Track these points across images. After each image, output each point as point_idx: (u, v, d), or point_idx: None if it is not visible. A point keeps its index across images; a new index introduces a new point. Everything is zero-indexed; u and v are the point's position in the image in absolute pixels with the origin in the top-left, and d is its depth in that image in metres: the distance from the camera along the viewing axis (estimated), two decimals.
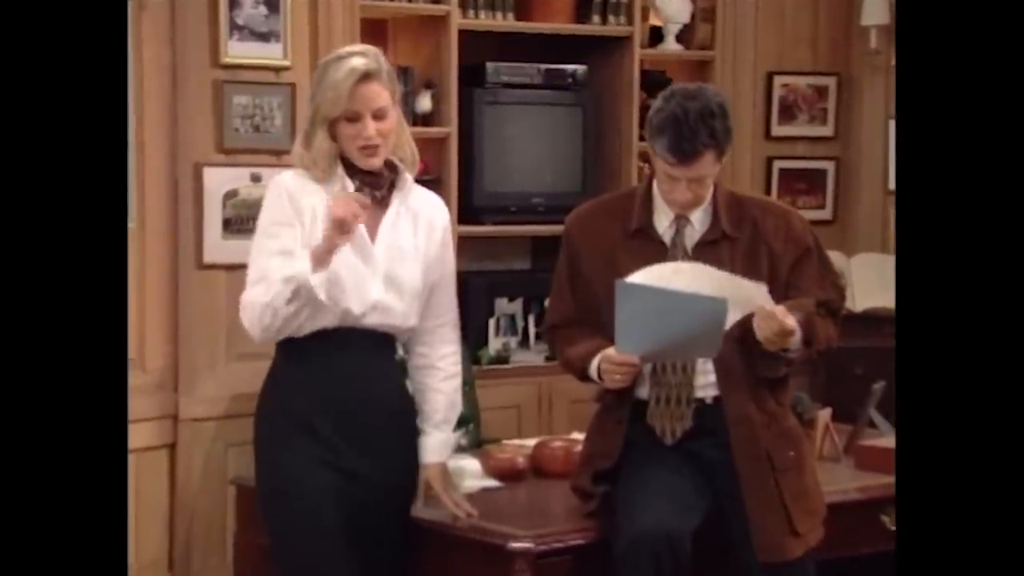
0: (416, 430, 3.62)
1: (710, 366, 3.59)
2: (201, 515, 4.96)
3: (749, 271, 3.50)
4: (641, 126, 5.44)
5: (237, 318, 3.55)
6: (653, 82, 5.94)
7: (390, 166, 3.55)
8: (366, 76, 3.44)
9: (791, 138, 6.54)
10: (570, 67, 5.94)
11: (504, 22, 5.81)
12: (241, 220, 4.95)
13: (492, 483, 4.01)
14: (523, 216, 5.85)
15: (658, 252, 3.58)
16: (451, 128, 5.63)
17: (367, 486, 3.48)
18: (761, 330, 3.44)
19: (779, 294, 3.51)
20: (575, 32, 5.98)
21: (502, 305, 5.87)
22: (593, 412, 3.77)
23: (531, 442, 4.36)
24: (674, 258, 3.56)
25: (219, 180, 4.97)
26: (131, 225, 4.77)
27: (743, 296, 3.41)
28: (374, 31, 5.48)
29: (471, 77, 5.72)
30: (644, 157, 5.63)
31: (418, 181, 3.66)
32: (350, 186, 3.50)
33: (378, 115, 3.46)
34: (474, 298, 5.72)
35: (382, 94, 3.47)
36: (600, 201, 3.86)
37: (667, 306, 3.38)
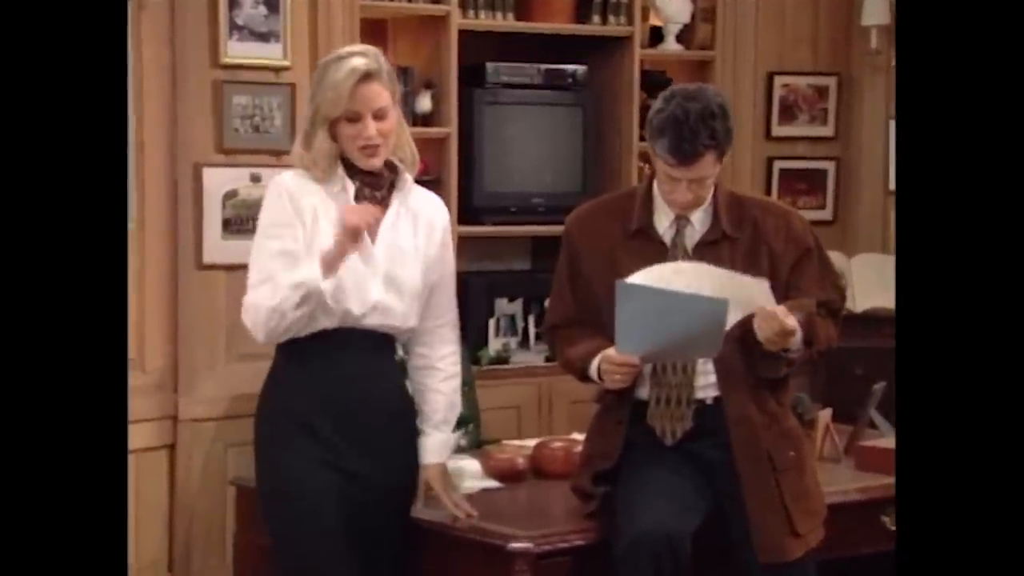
0: (416, 430, 3.62)
1: (710, 367, 3.58)
2: (201, 516, 4.96)
3: (749, 271, 3.50)
4: (641, 126, 5.44)
5: (237, 318, 3.55)
6: (653, 82, 5.93)
7: (390, 166, 3.55)
8: (367, 76, 3.44)
9: (791, 138, 6.53)
10: (570, 67, 5.93)
11: (504, 22, 5.80)
12: (241, 220, 4.95)
13: (492, 484, 4.01)
14: (523, 216, 5.85)
15: (658, 252, 3.57)
16: (451, 128, 5.63)
17: (367, 486, 3.48)
18: (762, 330, 3.43)
19: (779, 294, 3.50)
20: (575, 32, 5.98)
21: (502, 305, 5.86)
22: (593, 413, 3.77)
23: (531, 443, 4.36)
24: (674, 258, 3.56)
25: (219, 180, 4.97)
26: (131, 225, 4.77)
27: (744, 295, 3.40)
28: (374, 31, 5.48)
29: (471, 77, 5.71)
30: (644, 157, 5.63)
31: (418, 181, 3.66)
32: (350, 187, 3.50)
33: (379, 115, 3.46)
34: (474, 298, 5.72)
35: (383, 94, 3.47)
36: (600, 201, 3.86)
37: (667, 306, 3.38)
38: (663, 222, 3.62)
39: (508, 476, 4.05)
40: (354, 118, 3.45)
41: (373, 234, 3.49)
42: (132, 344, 4.75)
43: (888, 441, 4.23)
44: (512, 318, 5.87)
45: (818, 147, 6.58)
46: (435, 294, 3.61)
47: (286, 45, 5.05)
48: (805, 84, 6.52)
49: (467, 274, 5.71)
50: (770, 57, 6.41)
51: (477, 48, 5.71)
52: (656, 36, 6.23)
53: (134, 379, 4.62)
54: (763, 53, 6.36)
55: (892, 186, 6.40)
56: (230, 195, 4.98)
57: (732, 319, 3.40)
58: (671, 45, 6.22)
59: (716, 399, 3.60)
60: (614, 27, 6.01)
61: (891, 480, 3.63)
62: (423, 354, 3.64)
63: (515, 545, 3.50)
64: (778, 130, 6.50)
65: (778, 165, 6.49)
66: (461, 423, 3.89)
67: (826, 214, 6.55)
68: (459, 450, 4.09)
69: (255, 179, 4.98)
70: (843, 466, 4.27)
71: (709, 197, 3.60)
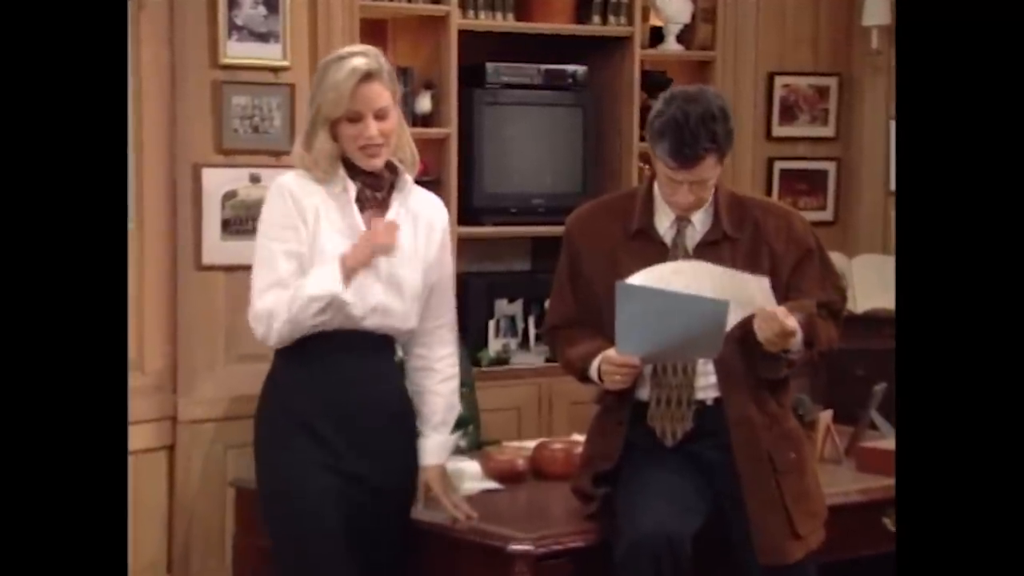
0: (416, 432, 3.61)
1: (711, 367, 3.58)
2: (200, 517, 4.95)
3: (750, 272, 3.49)
4: (642, 127, 5.45)
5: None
6: (653, 82, 5.93)
7: (390, 167, 3.55)
8: (368, 76, 3.44)
9: (792, 139, 6.53)
10: (570, 67, 5.93)
11: (504, 22, 5.80)
12: (240, 221, 4.94)
13: (492, 485, 4.00)
14: (523, 217, 5.85)
15: (659, 253, 3.57)
16: (451, 129, 5.63)
17: (367, 488, 3.48)
18: (762, 331, 3.43)
19: (780, 295, 3.50)
20: (575, 32, 5.98)
21: (502, 306, 5.85)
22: (593, 414, 3.77)
23: (531, 444, 4.36)
24: (675, 259, 3.55)
25: (218, 181, 4.96)
26: (130, 226, 4.76)
27: (744, 295, 3.40)
28: (374, 31, 5.47)
29: (471, 77, 5.71)
30: (644, 158, 5.63)
31: (418, 182, 3.66)
32: (351, 187, 3.50)
33: (380, 115, 3.46)
34: (474, 299, 5.72)
35: (383, 94, 3.46)
36: (601, 202, 3.85)
37: (667, 307, 3.37)
38: (664, 223, 3.62)
39: (508, 477, 4.05)
40: (355, 118, 3.45)
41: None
42: (131, 345, 4.74)
43: (889, 442, 4.22)
44: (512, 319, 5.86)
45: (819, 147, 6.58)
46: (434, 295, 3.61)
47: (285, 45, 5.05)
48: (806, 84, 6.52)
49: (467, 275, 5.71)
50: (771, 57, 6.40)
51: (477, 48, 5.71)
52: (656, 36, 6.22)
53: (133, 380, 4.61)
54: (764, 53, 6.36)
55: (893, 187, 6.40)
56: (229, 196, 4.97)
57: (732, 319, 3.39)
58: (671, 45, 6.22)
59: (716, 400, 3.60)
60: (614, 27, 6.00)
61: (892, 481, 3.62)
62: (421, 355, 3.63)
63: (515, 547, 3.50)
64: (779, 130, 6.49)
65: (779, 165, 6.48)
66: (461, 424, 3.88)
67: (827, 215, 6.55)
68: (459, 451, 4.08)
69: (254, 180, 4.98)
70: (844, 467, 4.27)
71: (710, 198, 3.59)
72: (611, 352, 3.50)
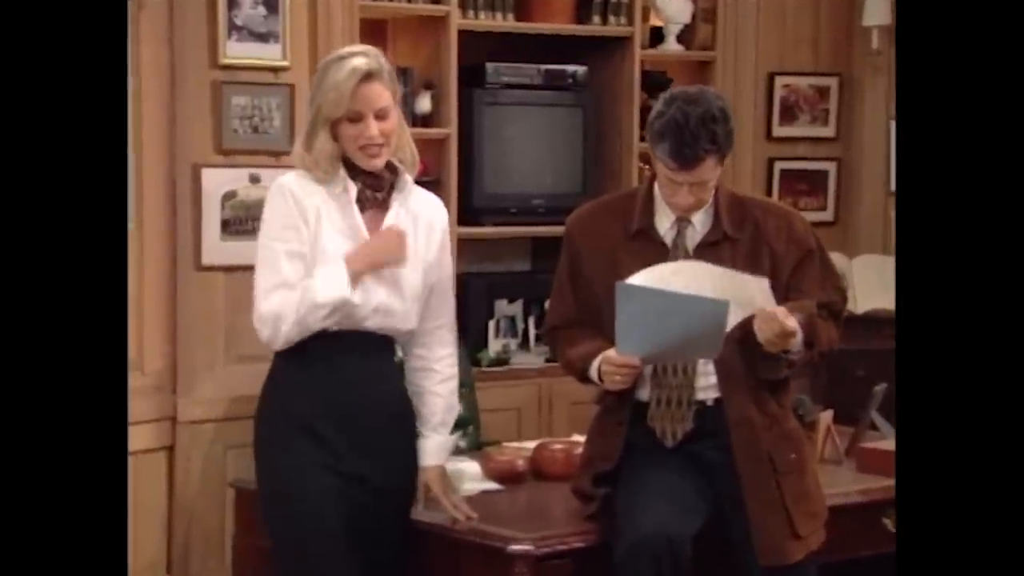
0: (416, 432, 3.61)
1: (711, 368, 3.58)
2: (200, 518, 4.95)
3: (750, 273, 3.49)
4: (642, 127, 5.44)
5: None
6: (654, 83, 5.93)
7: (390, 167, 3.55)
8: (368, 76, 3.44)
9: (792, 139, 6.53)
10: (570, 68, 5.93)
11: (504, 22, 5.80)
12: (240, 221, 4.94)
13: (492, 485, 4.00)
14: (523, 217, 5.84)
15: (659, 253, 3.57)
16: (451, 129, 5.62)
17: (367, 488, 3.48)
18: (762, 332, 3.43)
19: (780, 296, 3.49)
20: (575, 32, 5.97)
21: (502, 307, 5.85)
22: (593, 414, 3.76)
23: (531, 444, 4.36)
24: (675, 259, 3.55)
25: (218, 181, 4.96)
26: (130, 226, 4.76)
27: (744, 295, 3.40)
28: (373, 31, 5.47)
29: (471, 77, 5.71)
30: (645, 158, 5.63)
31: (418, 182, 3.65)
32: (352, 187, 3.50)
33: (380, 115, 3.46)
34: (474, 300, 5.72)
35: (384, 94, 3.46)
36: (601, 202, 3.85)
37: (667, 308, 3.37)
38: (664, 223, 3.62)
39: (508, 478, 4.05)
40: (356, 118, 3.44)
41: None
42: (131, 345, 4.74)
43: (889, 443, 4.22)
44: (512, 319, 5.86)
45: (819, 148, 6.57)
46: (433, 295, 3.61)
47: (285, 45, 5.04)
48: (806, 85, 6.51)
49: (467, 275, 5.71)
50: (771, 57, 6.40)
51: (477, 48, 5.71)
52: (656, 36, 6.22)
53: (133, 380, 4.60)
54: (764, 53, 6.36)
55: (893, 187, 6.39)
56: (229, 196, 4.97)
57: (732, 319, 3.39)
58: (672, 45, 6.21)
59: (717, 400, 3.60)
60: (614, 27, 6.00)
61: (892, 482, 3.62)
62: (421, 355, 3.63)
63: (515, 547, 3.50)
64: (779, 131, 6.49)
65: (779, 166, 6.48)
66: (461, 425, 3.89)
67: (827, 215, 6.54)
68: (459, 452, 4.08)
69: (254, 180, 4.97)
70: (844, 468, 4.26)
71: (710, 199, 3.59)
72: (611, 352, 3.50)
